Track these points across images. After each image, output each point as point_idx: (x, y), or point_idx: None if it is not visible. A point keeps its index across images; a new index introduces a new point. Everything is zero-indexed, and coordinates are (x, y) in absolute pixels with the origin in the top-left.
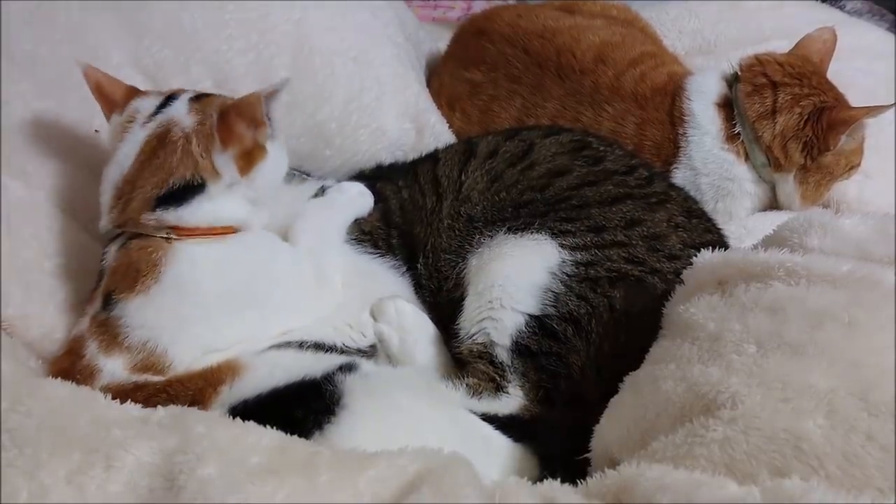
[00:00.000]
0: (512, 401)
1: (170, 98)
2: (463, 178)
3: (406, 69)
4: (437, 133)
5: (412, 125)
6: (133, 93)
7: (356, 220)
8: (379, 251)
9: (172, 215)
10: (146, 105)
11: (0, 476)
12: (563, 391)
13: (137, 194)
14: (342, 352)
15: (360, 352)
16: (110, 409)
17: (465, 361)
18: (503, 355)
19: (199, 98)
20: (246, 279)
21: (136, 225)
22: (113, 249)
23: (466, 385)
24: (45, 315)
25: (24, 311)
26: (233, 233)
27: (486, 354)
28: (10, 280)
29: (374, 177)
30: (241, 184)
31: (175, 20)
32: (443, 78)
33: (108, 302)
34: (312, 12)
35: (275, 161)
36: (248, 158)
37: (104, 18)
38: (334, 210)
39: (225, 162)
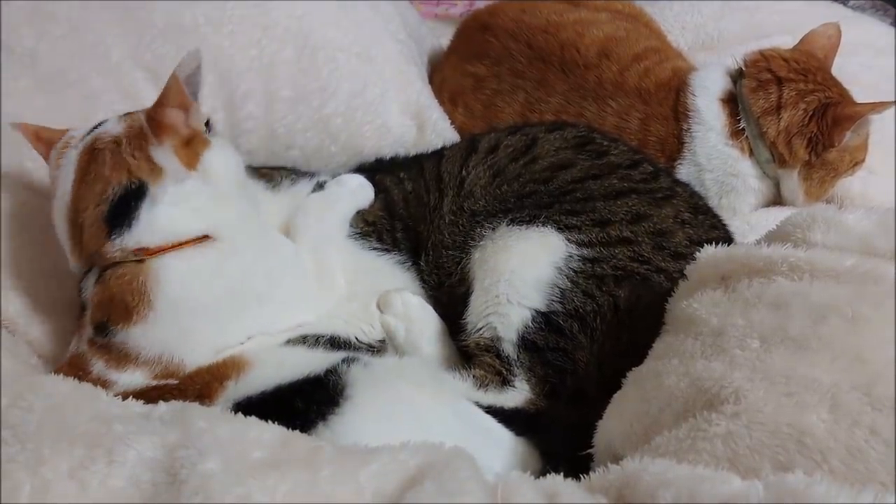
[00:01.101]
0: (518, 394)
1: (102, 122)
2: (464, 173)
3: (408, 65)
4: (440, 130)
5: (414, 122)
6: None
7: (359, 212)
8: (384, 246)
9: (130, 239)
10: (81, 131)
11: (1, 471)
12: (569, 386)
13: (85, 219)
14: (355, 348)
15: (371, 347)
16: (112, 406)
17: (471, 354)
18: (509, 349)
19: (130, 113)
20: (241, 278)
21: (102, 260)
22: (90, 283)
23: (473, 376)
24: (47, 314)
25: (25, 310)
26: (209, 240)
27: (492, 348)
28: (11, 279)
29: (374, 170)
30: (193, 178)
31: (176, 16)
32: (445, 72)
33: (104, 330)
34: (314, 8)
35: (223, 149)
36: (191, 148)
37: (104, 15)
38: (335, 203)
39: (164, 154)
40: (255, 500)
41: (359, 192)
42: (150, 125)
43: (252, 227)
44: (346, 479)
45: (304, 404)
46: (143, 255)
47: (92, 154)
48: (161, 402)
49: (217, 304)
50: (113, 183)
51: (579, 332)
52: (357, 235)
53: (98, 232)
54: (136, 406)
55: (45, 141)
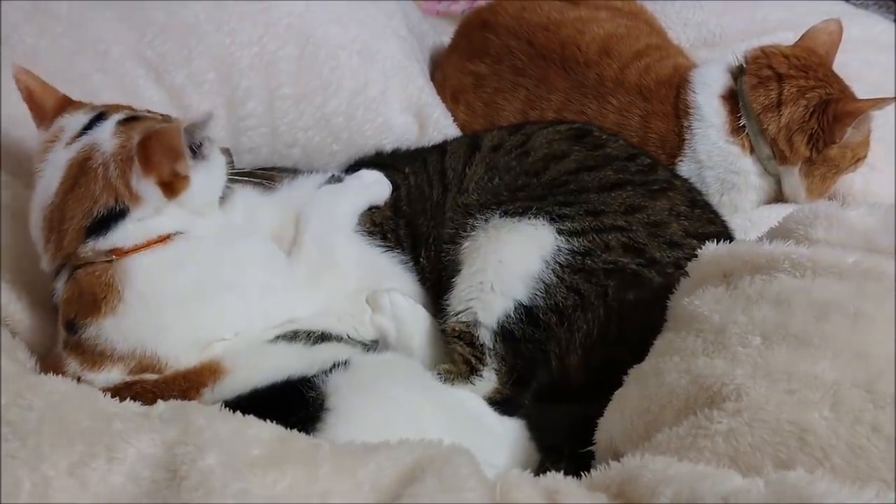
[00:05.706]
0: (485, 384)
1: (100, 116)
2: (468, 170)
3: (410, 62)
4: (441, 127)
5: (415, 119)
6: (65, 103)
7: (369, 210)
8: (387, 245)
9: (104, 243)
10: (73, 123)
11: (1, 468)
12: (538, 377)
13: (68, 227)
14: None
15: (364, 345)
16: (111, 405)
17: (445, 340)
18: (485, 337)
19: (129, 120)
20: (206, 268)
21: (75, 259)
22: (60, 285)
23: (437, 373)
24: (45, 312)
25: (24, 308)
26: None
27: (466, 335)
28: (11, 278)
29: (374, 164)
30: (170, 205)
31: (177, 13)
32: (447, 70)
33: (73, 327)
34: (315, 5)
35: (201, 186)
36: (171, 187)
37: (105, 12)
38: (345, 195)
39: (147, 188)
40: (254, 495)
41: (374, 188)
42: (140, 156)
43: (216, 219)
44: (344, 476)
45: (285, 422)
46: (115, 255)
47: (83, 168)
48: (160, 402)
49: (186, 293)
50: (100, 203)
51: (556, 324)
52: (363, 232)
53: (77, 237)
54: (134, 406)
55: (38, 105)
